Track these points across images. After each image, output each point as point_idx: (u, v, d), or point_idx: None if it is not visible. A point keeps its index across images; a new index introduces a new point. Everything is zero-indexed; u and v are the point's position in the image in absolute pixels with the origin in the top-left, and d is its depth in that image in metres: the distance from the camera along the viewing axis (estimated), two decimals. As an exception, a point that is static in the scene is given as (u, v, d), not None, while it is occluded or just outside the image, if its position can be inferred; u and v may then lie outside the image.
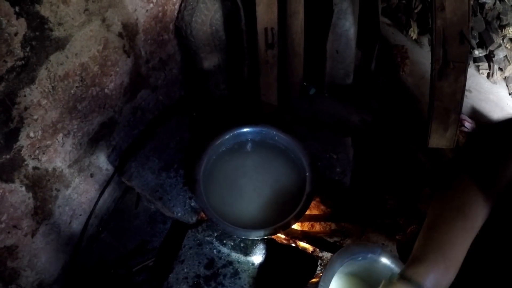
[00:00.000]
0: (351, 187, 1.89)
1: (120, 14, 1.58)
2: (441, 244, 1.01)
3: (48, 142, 1.44)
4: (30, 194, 1.43)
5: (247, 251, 1.75)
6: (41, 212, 1.52)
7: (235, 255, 1.74)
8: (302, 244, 1.86)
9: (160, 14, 1.83)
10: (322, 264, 1.83)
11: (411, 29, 2.78)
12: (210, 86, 2.23)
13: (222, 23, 2.04)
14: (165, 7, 1.84)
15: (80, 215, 1.78)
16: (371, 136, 2.22)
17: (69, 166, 1.61)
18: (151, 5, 1.74)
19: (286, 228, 1.65)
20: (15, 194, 1.36)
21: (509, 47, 2.60)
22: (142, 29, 1.75)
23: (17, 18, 1.13)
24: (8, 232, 1.38)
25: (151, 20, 1.79)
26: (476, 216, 1.03)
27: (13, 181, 1.34)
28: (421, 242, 1.05)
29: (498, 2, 2.51)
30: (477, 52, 2.66)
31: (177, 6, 1.92)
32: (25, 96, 1.26)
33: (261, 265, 1.72)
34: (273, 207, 1.75)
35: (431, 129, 2.06)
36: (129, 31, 1.67)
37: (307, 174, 1.76)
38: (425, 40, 2.79)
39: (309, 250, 1.85)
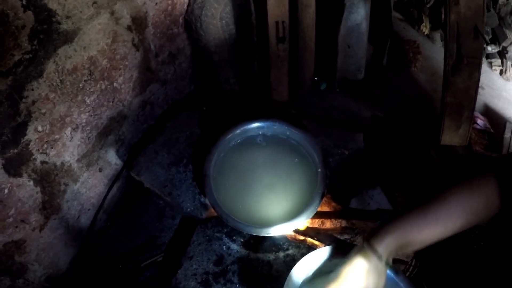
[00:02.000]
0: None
1: (129, 7, 1.57)
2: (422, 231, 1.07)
3: (56, 136, 1.44)
4: (38, 189, 1.42)
5: (257, 248, 1.73)
6: (49, 206, 1.51)
7: (244, 252, 1.72)
8: (313, 241, 1.84)
9: (170, 7, 1.81)
10: (332, 261, 1.81)
11: (423, 24, 2.74)
12: (220, 81, 2.21)
13: (232, 17, 2.02)
14: (175, 0, 1.82)
15: (89, 209, 1.77)
16: (382, 132, 2.19)
17: (78, 161, 1.60)
18: (161, -2, 1.73)
19: (297, 226, 1.63)
20: (23, 188, 1.35)
21: (522, 42, 2.56)
22: (152, 23, 1.73)
23: (24, 11, 1.12)
24: (16, 227, 1.38)
25: (161, 13, 1.77)
26: (477, 218, 1.05)
27: (21, 176, 1.33)
28: (406, 218, 1.09)
29: (511, -3, 2.47)
30: (490, 48, 2.62)
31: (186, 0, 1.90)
32: (32, 89, 1.25)
33: (271, 262, 1.70)
34: (284, 203, 1.73)
35: (444, 126, 2.03)
36: (138, 25, 1.66)
37: (319, 170, 1.74)
38: (437, 35, 2.75)
39: (319, 247, 1.82)
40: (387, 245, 1.09)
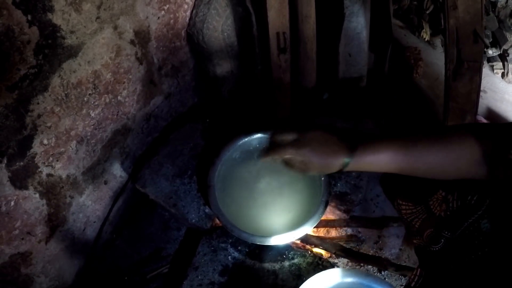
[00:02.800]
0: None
1: (132, 22, 1.59)
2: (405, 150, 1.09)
3: (62, 149, 1.45)
4: (44, 201, 1.44)
5: (262, 258, 1.73)
6: (55, 219, 1.52)
7: (250, 262, 1.72)
8: (318, 250, 1.84)
9: (172, 21, 1.84)
10: (338, 270, 1.81)
11: (423, 30, 2.74)
12: (223, 92, 2.23)
13: (233, 29, 2.04)
14: (177, 14, 1.85)
15: (94, 222, 1.79)
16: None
17: (83, 173, 1.62)
18: (163, 12, 1.75)
19: (302, 234, 1.64)
20: (29, 200, 1.37)
21: (523, 45, 2.56)
22: (154, 36, 1.76)
23: (29, 27, 1.14)
24: (22, 239, 1.39)
25: (163, 27, 1.80)
26: (456, 163, 1.06)
27: (27, 188, 1.34)
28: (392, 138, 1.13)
29: (510, 0, 2.47)
30: (491, 52, 2.62)
31: (188, 13, 1.92)
32: (38, 103, 1.27)
33: (277, 271, 1.70)
34: (288, 212, 1.74)
35: (447, 131, 2.03)
36: (141, 38, 1.68)
37: (323, 178, 1.74)
38: (438, 41, 2.76)
39: (325, 256, 1.82)
40: (365, 162, 1.12)
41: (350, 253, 1.81)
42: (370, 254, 1.83)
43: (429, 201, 1.32)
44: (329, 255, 1.83)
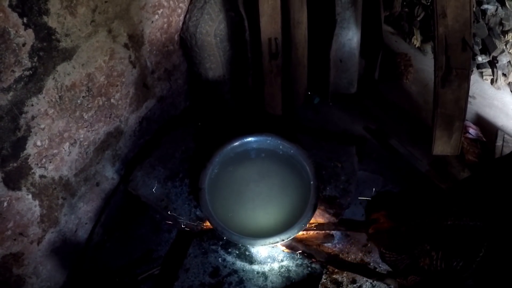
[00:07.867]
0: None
1: (126, 26, 1.61)
2: None
3: (55, 151, 1.46)
4: (37, 202, 1.45)
5: (252, 260, 1.75)
6: (47, 220, 1.53)
7: (240, 264, 1.74)
8: (307, 252, 1.85)
9: (166, 25, 1.86)
10: (327, 272, 1.82)
11: (414, 37, 2.79)
12: (215, 96, 2.25)
13: (226, 34, 2.06)
14: (170, 19, 1.87)
15: (86, 223, 1.79)
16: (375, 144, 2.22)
17: (75, 175, 1.63)
18: (156, 16, 1.77)
19: (291, 237, 1.65)
20: (22, 201, 1.38)
21: (512, 52, 2.61)
22: (148, 40, 1.78)
23: (25, 29, 1.16)
24: (14, 239, 1.40)
25: (157, 31, 1.81)
26: None
27: (20, 189, 1.35)
28: None
29: (500, 8, 2.52)
30: (481, 58, 2.66)
31: (182, 17, 1.94)
32: (32, 105, 1.29)
33: (266, 273, 1.72)
34: (278, 215, 1.76)
35: (435, 137, 2.06)
36: (135, 42, 1.70)
37: (312, 182, 1.76)
38: (428, 47, 2.80)
39: (314, 258, 1.84)
40: None
41: (335, 261, 1.82)
42: (357, 260, 1.84)
43: (414, 250, 1.34)
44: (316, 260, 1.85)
